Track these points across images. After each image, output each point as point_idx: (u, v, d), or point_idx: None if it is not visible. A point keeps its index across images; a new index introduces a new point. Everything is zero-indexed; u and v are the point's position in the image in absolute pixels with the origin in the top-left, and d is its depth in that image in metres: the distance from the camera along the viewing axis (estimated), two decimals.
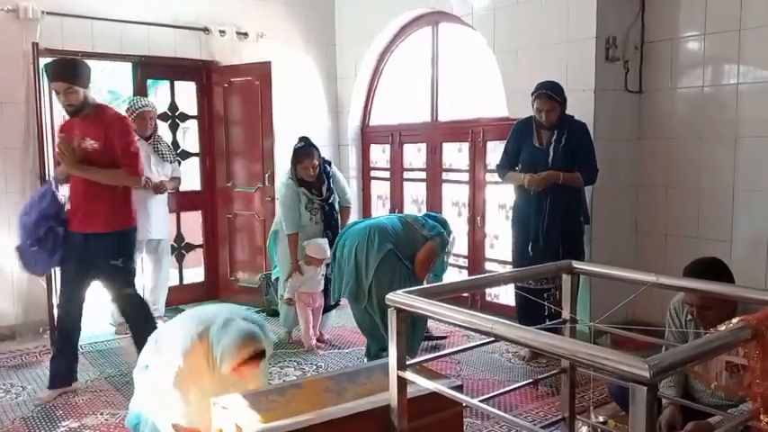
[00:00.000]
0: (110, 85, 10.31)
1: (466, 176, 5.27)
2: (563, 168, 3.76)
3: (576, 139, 3.82)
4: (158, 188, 4.68)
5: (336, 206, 4.37)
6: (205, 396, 2.33)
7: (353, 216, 5.07)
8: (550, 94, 3.75)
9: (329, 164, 4.44)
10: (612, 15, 4.18)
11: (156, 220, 4.73)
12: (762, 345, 1.46)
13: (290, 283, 4.31)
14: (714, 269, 2.38)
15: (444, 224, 3.91)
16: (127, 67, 5.28)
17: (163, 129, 5.17)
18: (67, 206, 3.58)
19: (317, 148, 4.26)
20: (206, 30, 5.38)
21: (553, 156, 3.80)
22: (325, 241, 4.23)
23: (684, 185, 4.20)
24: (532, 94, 3.83)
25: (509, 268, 4.43)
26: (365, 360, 3.98)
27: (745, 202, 3.91)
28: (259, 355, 2.46)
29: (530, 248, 3.84)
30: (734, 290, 2.02)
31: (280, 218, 4.37)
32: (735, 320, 1.50)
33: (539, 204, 3.82)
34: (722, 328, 1.50)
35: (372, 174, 6.27)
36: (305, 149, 4.19)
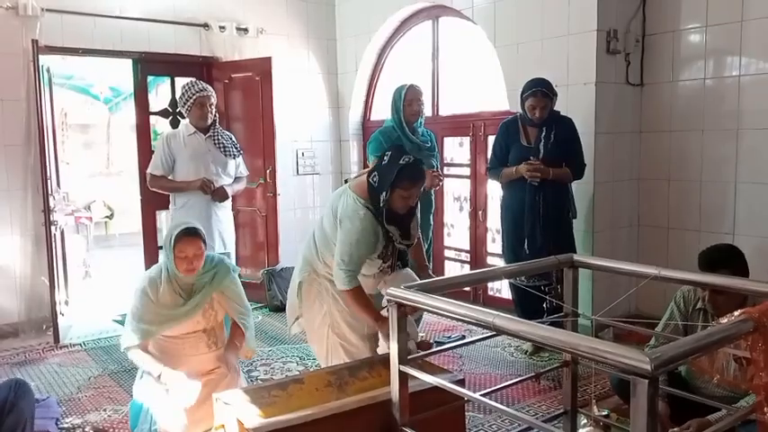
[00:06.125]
0: (111, 82, 10.25)
1: (467, 171, 5.26)
2: (553, 165, 3.73)
3: (564, 134, 3.79)
4: (220, 195, 4.09)
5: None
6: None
7: None
8: (546, 91, 3.73)
9: None
10: (613, 8, 4.16)
11: (229, 233, 4.29)
12: (764, 337, 1.46)
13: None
14: (730, 257, 2.42)
15: None
16: (127, 64, 5.27)
17: (164, 125, 5.14)
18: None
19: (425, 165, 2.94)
20: (206, 26, 5.37)
21: (543, 153, 3.75)
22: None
23: (686, 178, 4.19)
24: (523, 94, 3.80)
25: None
26: None
27: (747, 195, 3.90)
28: (191, 233, 2.72)
29: (525, 247, 3.78)
30: (738, 282, 2.01)
31: (315, 258, 3.00)
32: (737, 313, 1.50)
33: (532, 202, 3.76)
34: (724, 320, 1.50)
35: None
36: (416, 169, 2.73)
